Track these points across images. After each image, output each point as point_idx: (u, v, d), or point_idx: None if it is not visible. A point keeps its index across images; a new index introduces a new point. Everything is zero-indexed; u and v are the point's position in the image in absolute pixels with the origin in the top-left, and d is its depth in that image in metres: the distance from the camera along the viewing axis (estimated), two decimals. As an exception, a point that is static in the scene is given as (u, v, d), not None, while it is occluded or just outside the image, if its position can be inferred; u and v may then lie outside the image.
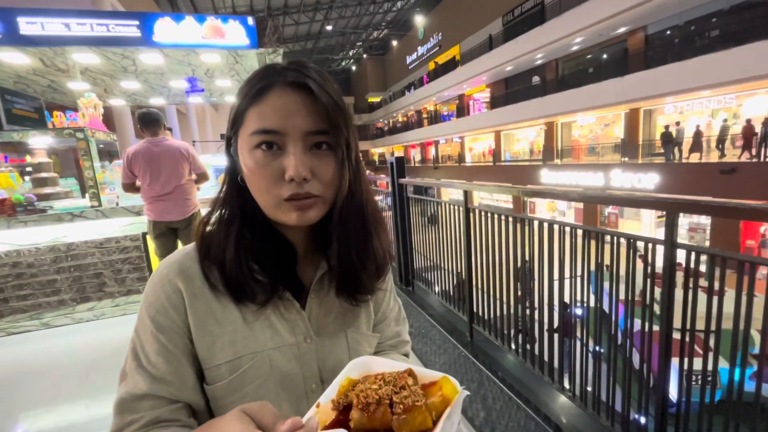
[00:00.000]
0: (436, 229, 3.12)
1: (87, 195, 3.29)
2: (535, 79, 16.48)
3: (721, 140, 10.23)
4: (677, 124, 11.46)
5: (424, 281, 3.62)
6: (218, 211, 0.55)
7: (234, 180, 0.54)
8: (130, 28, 3.14)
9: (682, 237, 11.22)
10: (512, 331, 2.37)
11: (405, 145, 30.38)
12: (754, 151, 9.45)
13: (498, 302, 2.43)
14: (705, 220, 10.66)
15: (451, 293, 3.05)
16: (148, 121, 2.85)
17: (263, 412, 0.36)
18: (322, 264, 0.59)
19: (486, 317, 2.58)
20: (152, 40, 3.21)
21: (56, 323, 3.18)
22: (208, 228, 0.56)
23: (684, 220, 11.29)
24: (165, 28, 3.21)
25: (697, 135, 10.70)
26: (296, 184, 0.48)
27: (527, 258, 2.17)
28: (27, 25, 2.96)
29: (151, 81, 4.72)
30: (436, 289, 3.36)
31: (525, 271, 2.28)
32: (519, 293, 2.24)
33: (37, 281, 3.18)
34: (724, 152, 10.33)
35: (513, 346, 2.32)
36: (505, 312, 2.38)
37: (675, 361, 1.34)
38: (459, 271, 2.56)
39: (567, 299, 1.92)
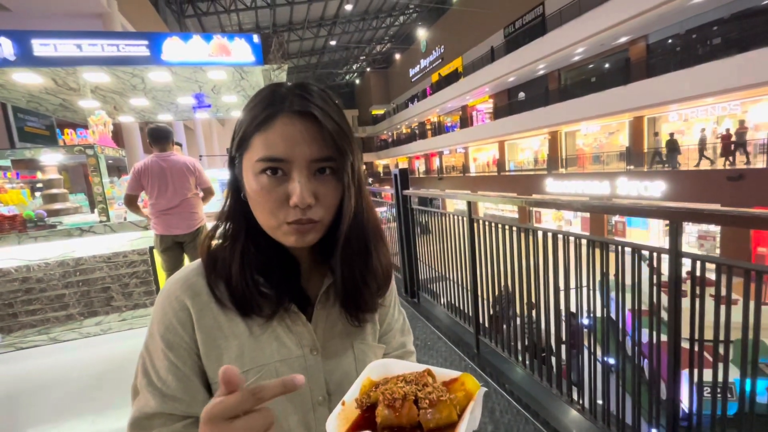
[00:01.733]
0: (441, 240, 3.12)
1: (96, 210, 3.35)
2: (521, 95, 16.94)
3: (701, 149, 10.69)
4: (655, 135, 11.98)
5: (430, 293, 3.61)
6: (223, 226, 0.56)
7: (237, 195, 0.55)
8: (139, 48, 3.23)
9: (692, 245, 11.07)
10: (519, 344, 2.34)
11: (409, 156, 30.53)
12: (731, 158, 10.06)
13: (504, 313, 2.41)
14: (715, 228, 10.52)
15: (461, 307, 3.03)
16: (158, 138, 2.92)
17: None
18: (327, 276, 0.59)
19: (492, 329, 2.55)
20: (161, 59, 3.30)
21: (64, 338, 3.20)
22: (214, 242, 0.57)
23: (693, 228, 11.15)
24: (173, 47, 3.30)
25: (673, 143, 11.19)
26: (300, 210, 0.49)
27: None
28: (41, 47, 3.06)
29: (159, 98, 4.83)
30: (443, 300, 3.34)
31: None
32: (528, 307, 2.22)
33: (46, 296, 3.22)
34: (704, 159, 10.81)
35: (520, 358, 2.29)
36: (512, 323, 2.36)
37: (687, 372, 1.31)
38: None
39: (573, 309, 1.90)
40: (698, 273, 1.21)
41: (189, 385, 0.51)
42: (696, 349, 1.24)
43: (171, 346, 0.51)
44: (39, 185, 5.15)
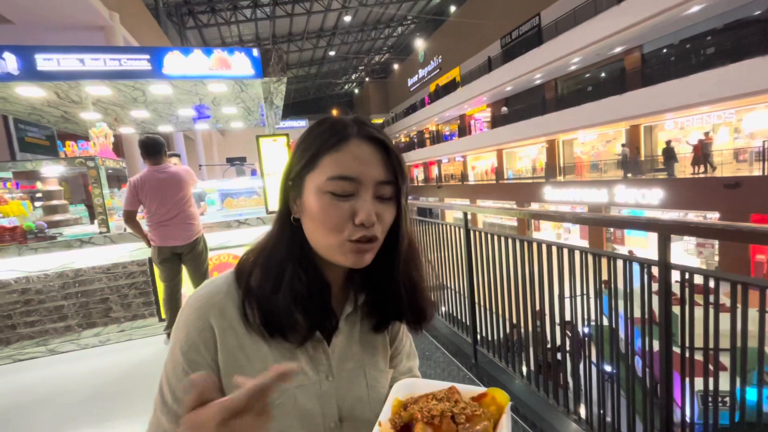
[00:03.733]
0: (438, 250, 3.14)
1: (96, 221, 3.37)
2: (504, 109, 17.34)
3: (670, 157, 11.04)
4: (623, 146, 12.25)
5: (428, 302, 3.60)
6: (267, 252, 0.56)
7: (287, 221, 0.56)
8: (141, 62, 3.29)
9: (691, 252, 11.09)
10: (514, 354, 2.35)
11: (408, 164, 30.67)
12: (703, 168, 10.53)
13: (502, 324, 2.42)
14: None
15: (459, 317, 3.04)
16: (150, 152, 2.90)
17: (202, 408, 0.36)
18: (350, 301, 0.61)
19: (490, 339, 2.56)
20: (162, 73, 3.35)
21: (62, 349, 3.20)
22: (253, 267, 0.56)
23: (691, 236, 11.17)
24: (174, 61, 3.36)
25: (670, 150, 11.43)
26: (365, 228, 0.51)
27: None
28: (44, 62, 3.11)
29: (159, 110, 4.89)
30: (441, 310, 3.35)
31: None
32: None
33: (45, 307, 3.22)
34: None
35: (517, 368, 2.30)
36: (509, 333, 2.37)
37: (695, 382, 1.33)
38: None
39: (568, 320, 1.92)
40: (688, 285, 1.23)
41: None
42: (687, 355, 1.26)
43: (194, 366, 0.51)
44: (39, 195, 5.17)
